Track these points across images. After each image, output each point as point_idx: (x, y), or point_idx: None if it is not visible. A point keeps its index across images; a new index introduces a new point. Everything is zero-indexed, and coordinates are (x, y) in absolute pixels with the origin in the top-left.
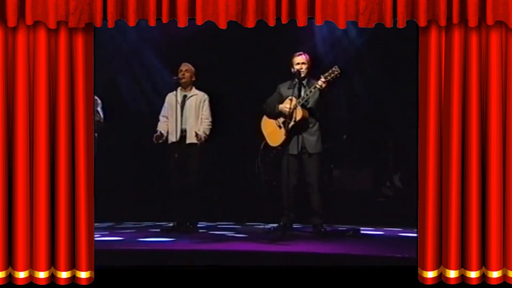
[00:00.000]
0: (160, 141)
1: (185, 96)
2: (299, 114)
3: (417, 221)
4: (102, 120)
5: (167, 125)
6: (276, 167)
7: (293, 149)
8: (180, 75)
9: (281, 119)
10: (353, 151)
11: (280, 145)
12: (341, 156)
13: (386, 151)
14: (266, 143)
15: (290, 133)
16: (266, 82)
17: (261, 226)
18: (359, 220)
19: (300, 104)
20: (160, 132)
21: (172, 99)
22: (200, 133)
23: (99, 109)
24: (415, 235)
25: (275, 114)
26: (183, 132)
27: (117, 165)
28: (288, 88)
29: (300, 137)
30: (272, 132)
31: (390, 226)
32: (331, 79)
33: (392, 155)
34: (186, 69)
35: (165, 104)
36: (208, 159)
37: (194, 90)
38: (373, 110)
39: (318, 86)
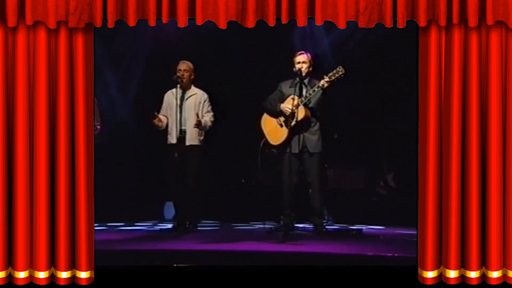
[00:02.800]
0: (160, 126)
1: (183, 95)
2: (301, 113)
3: (416, 220)
4: (99, 125)
5: (167, 120)
6: (270, 166)
7: (294, 148)
8: (179, 74)
9: (283, 118)
10: (349, 150)
11: (280, 144)
12: (336, 155)
13: (381, 151)
14: (266, 141)
15: (292, 132)
16: (267, 80)
17: (261, 225)
18: (353, 219)
19: (303, 103)
20: (159, 118)
21: (171, 98)
22: (203, 121)
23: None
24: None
25: (276, 113)
26: (182, 133)
27: (116, 165)
28: (290, 87)
29: (301, 136)
30: (273, 130)
31: (383, 225)
32: (335, 79)
33: (386, 154)
34: (184, 69)
35: (164, 104)
36: (207, 158)
37: (193, 89)
38: (373, 110)
39: (320, 85)
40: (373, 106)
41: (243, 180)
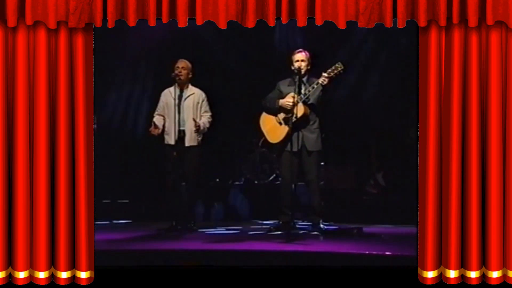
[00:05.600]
0: (157, 133)
1: (181, 95)
2: (300, 110)
3: (410, 218)
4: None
5: (163, 119)
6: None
7: (292, 147)
8: (176, 72)
9: (282, 115)
10: (339, 149)
11: (280, 142)
12: (326, 154)
13: (371, 149)
14: (265, 140)
15: (291, 130)
16: (265, 79)
17: (260, 225)
18: (345, 218)
19: (302, 100)
20: (155, 124)
21: (168, 97)
22: (200, 123)
23: None
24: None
25: (275, 110)
26: (181, 133)
27: (116, 165)
28: (288, 86)
29: (300, 134)
30: (272, 128)
31: (376, 224)
32: (334, 76)
33: (378, 153)
34: (182, 66)
35: (160, 103)
36: (206, 158)
37: (191, 88)
38: (371, 109)
39: (320, 82)
40: (368, 105)
41: (230, 181)
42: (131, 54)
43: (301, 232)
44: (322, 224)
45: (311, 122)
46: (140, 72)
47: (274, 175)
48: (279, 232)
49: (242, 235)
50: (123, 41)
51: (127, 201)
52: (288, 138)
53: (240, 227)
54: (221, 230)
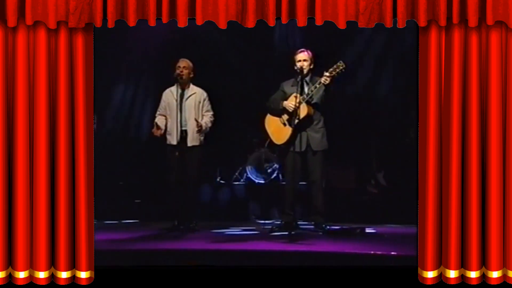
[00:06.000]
0: (159, 134)
1: (183, 94)
2: (303, 111)
3: (410, 217)
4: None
5: (165, 119)
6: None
7: (297, 147)
8: (178, 71)
9: (286, 117)
10: (339, 149)
11: (285, 143)
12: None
13: (372, 149)
14: (271, 141)
15: (295, 131)
16: (267, 78)
17: (262, 225)
18: (349, 218)
19: (305, 100)
20: (157, 125)
21: (170, 97)
22: (202, 123)
23: None
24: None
25: (279, 112)
26: (183, 133)
27: (116, 164)
28: (292, 86)
29: (305, 134)
30: (276, 130)
31: (376, 224)
32: (336, 75)
33: (378, 153)
34: (184, 66)
35: (162, 103)
36: (207, 158)
37: (193, 88)
38: (371, 109)
39: (322, 81)
40: (368, 105)
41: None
42: (131, 54)
43: (305, 232)
44: (325, 224)
45: (315, 122)
46: (141, 72)
47: (276, 174)
48: (282, 232)
49: (244, 235)
50: (123, 41)
51: (128, 201)
52: (293, 138)
53: (242, 227)
54: (223, 230)
